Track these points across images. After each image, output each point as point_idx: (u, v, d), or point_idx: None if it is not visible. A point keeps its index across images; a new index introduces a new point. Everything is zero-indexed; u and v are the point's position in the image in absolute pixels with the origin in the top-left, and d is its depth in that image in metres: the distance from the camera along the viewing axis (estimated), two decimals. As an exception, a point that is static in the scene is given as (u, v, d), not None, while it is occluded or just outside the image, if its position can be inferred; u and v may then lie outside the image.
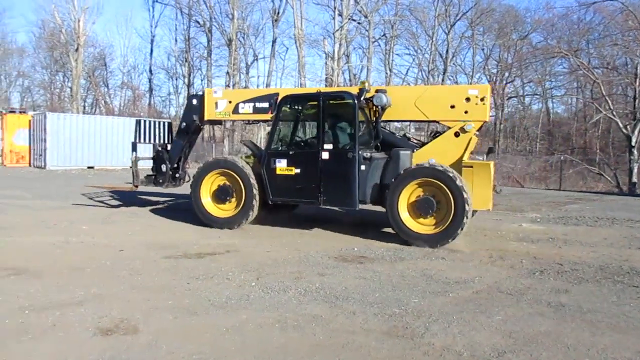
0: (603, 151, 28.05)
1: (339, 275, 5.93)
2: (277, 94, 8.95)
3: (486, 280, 5.85)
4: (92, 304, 4.72)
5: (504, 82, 36.95)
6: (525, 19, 36.56)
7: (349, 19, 30.51)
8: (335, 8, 29.84)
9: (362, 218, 10.04)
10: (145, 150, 10.60)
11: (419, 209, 7.71)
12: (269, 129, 9.73)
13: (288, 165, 8.41)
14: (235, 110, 9.31)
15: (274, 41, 36.90)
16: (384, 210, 8.08)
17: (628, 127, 22.86)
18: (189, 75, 41.36)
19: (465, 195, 7.38)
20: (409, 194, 7.78)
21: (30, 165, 23.90)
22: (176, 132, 10.31)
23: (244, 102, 9.25)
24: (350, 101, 8.11)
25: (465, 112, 7.96)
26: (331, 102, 8.40)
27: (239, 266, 6.21)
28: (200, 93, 10.06)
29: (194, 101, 9.91)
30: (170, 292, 5.16)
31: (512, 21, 35.59)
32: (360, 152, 7.99)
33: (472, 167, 7.87)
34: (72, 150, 23.02)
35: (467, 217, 7.39)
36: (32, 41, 49.32)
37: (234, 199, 8.87)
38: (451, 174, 7.50)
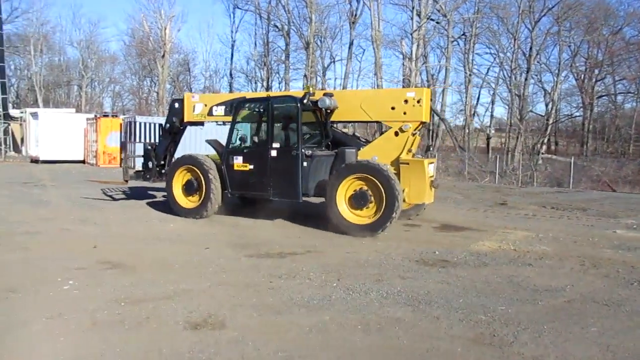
0: None
1: (421, 279, 5.83)
2: (244, 98, 9.96)
3: (579, 289, 5.54)
4: (182, 299, 4.93)
5: (593, 80, 34.93)
6: (618, 13, 34.38)
7: (428, 18, 29.98)
8: (413, 8, 29.40)
9: (441, 221, 9.82)
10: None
11: (355, 201, 8.37)
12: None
13: (243, 161, 9.35)
14: (210, 113, 10.20)
15: (351, 43, 36.92)
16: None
17: None
18: (268, 78, 42.27)
19: (395, 189, 7.97)
20: (346, 188, 8.45)
21: (120, 166, 25.31)
22: (162, 132, 11.28)
23: (217, 105, 10.11)
24: (294, 104, 8.93)
25: (404, 113, 8.60)
26: (278, 105, 9.28)
27: (320, 266, 6.26)
28: (181, 97, 11.04)
29: (176, 104, 10.91)
30: (254, 290, 5.29)
31: (603, 15, 33.46)
32: (303, 150, 8.73)
33: (408, 163, 8.54)
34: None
35: (396, 211, 8.01)
36: (123, 49, 52.46)
37: (198, 192, 9.78)
38: (382, 170, 8.15)
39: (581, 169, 23.44)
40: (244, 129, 9.92)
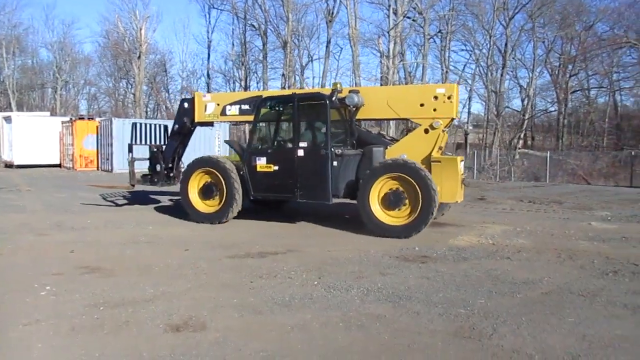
0: (678, 145, 26.38)
1: (401, 275, 5.87)
2: (260, 97, 9.50)
3: (555, 281, 5.64)
4: (162, 302, 4.88)
5: (567, 75, 35.52)
6: (590, 9, 35.01)
7: (404, 16, 30.16)
8: (389, 6, 29.56)
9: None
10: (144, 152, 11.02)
11: (388, 202, 8.11)
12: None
13: (267, 162, 8.93)
14: (223, 112, 9.86)
15: (328, 42, 37.02)
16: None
17: None
18: (246, 78, 42.13)
19: (432, 189, 7.75)
20: (379, 188, 8.17)
21: (98, 169, 25.02)
22: (170, 134, 10.86)
23: (231, 104, 9.75)
24: (322, 102, 8.52)
25: (434, 109, 8.37)
26: (305, 103, 8.85)
27: (301, 265, 6.27)
28: (191, 97, 10.59)
29: (186, 104, 10.48)
30: (235, 290, 5.26)
31: (576, 11, 34.05)
32: (332, 149, 8.39)
33: (440, 161, 8.27)
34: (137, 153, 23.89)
35: (434, 210, 7.81)
36: (98, 51, 51.78)
37: (217, 196, 9.37)
38: (419, 169, 7.91)
39: (557, 162, 23.85)
40: (267, 129, 9.62)
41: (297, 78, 38.93)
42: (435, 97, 8.34)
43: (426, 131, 8.38)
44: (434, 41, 36.14)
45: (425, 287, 5.37)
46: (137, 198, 12.71)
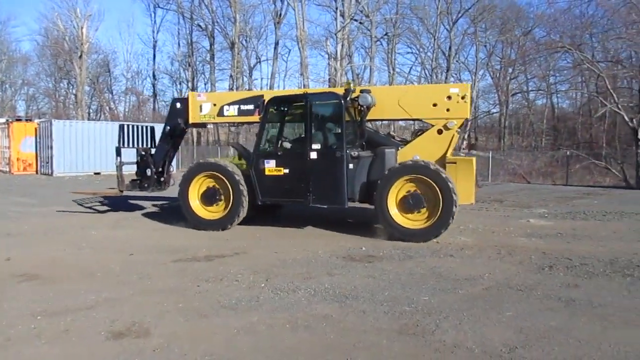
0: (609, 145, 27.82)
1: (348, 275, 5.94)
2: (262, 96, 9.10)
3: (495, 277, 5.85)
4: (104, 308, 4.75)
5: (508, 78, 36.80)
6: (528, 15, 36.43)
7: (351, 19, 30.50)
8: (337, 8, 29.87)
9: (368, 217, 10.03)
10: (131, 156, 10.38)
11: (407, 205, 7.88)
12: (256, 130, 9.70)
13: (277, 165, 8.54)
14: (220, 113, 9.43)
15: (276, 43, 36.97)
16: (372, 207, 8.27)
17: (634, 120, 22.63)
18: (193, 79, 41.47)
19: (452, 190, 7.58)
20: (397, 191, 7.95)
21: (37, 172, 24.01)
22: (160, 136, 10.34)
23: (229, 104, 9.35)
24: (337, 101, 8.28)
25: (447, 109, 8.22)
26: (317, 102, 8.51)
27: (248, 268, 6.23)
28: (184, 97, 10.05)
29: (178, 105, 10.01)
30: (180, 295, 5.18)
31: (515, 17, 35.40)
32: (347, 151, 8.12)
33: (455, 162, 8.11)
34: (78, 156, 23.12)
35: (455, 211, 7.64)
36: (36, 49, 49.54)
37: (222, 201, 8.97)
38: (438, 170, 7.73)
39: (499, 162, 24.66)
40: (276, 130, 9.19)
41: (246, 79, 38.71)
42: (449, 97, 8.20)
43: (439, 132, 8.23)
44: (381, 44, 36.75)
45: (371, 286, 5.46)
46: (115, 204, 12.02)
